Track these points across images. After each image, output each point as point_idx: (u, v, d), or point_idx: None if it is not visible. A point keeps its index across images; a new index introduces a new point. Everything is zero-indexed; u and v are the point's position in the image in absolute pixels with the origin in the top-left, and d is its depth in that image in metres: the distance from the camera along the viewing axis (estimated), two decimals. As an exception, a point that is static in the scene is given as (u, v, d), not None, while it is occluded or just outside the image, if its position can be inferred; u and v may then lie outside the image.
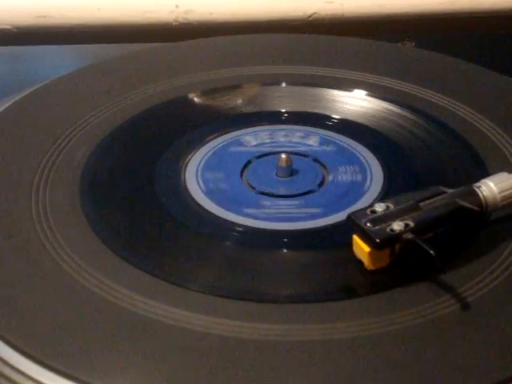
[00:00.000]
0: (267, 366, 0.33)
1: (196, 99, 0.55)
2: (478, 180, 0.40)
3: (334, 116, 0.53)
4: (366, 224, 0.37)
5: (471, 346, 0.33)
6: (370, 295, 0.37)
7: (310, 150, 0.50)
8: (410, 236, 0.36)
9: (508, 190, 0.40)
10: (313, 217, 0.43)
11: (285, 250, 0.41)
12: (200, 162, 0.48)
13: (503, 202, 0.40)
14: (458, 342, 0.34)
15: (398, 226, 0.37)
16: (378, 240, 0.36)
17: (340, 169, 0.48)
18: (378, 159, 0.48)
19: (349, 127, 0.52)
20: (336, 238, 0.41)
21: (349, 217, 0.38)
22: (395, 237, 0.36)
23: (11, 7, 0.74)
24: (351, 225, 0.38)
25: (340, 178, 0.47)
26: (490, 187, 0.39)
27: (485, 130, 0.50)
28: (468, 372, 0.32)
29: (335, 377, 0.32)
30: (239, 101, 0.55)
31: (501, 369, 0.32)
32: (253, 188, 0.46)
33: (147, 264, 0.39)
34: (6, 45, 0.70)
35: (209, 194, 0.45)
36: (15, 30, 0.74)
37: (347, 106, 0.54)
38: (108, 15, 0.74)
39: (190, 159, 0.49)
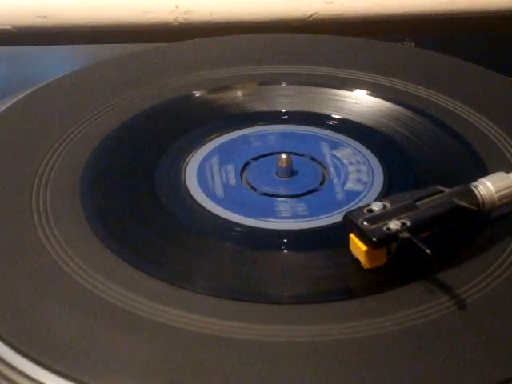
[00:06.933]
0: (267, 366, 0.33)
1: (196, 99, 0.55)
2: (477, 180, 0.40)
3: (334, 116, 0.53)
4: (362, 223, 0.37)
5: (470, 347, 0.33)
6: (368, 296, 0.37)
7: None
8: (406, 235, 0.36)
9: (505, 189, 0.40)
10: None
11: (285, 251, 0.41)
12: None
13: (500, 202, 0.40)
14: (456, 342, 0.34)
15: (394, 224, 0.37)
16: (374, 239, 0.36)
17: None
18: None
19: (349, 127, 0.52)
20: (336, 238, 0.41)
21: (346, 216, 0.38)
22: (392, 236, 0.36)
23: (11, 7, 0.74)
24: (348, 223, 0.38)
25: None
26: (487, 186, 0.39)
27: (485, 130, 0.50)
28: (468, 372, 0.32)
29: (334, 377, 0.32)
30: (239, 101, 0.55)
31: (500, 369, 0.32)
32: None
33: (147, 264, 0.39)
34: (6, 45, 0.70)
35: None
36: (15, 30, 0.74)
37: (347, 106, 0.54)
38: (108, 15, 0.74)
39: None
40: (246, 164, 0.48)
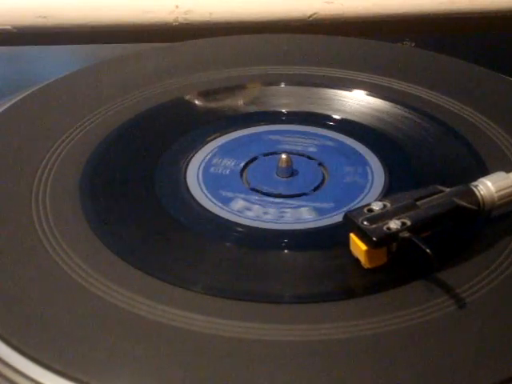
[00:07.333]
0: (267, 366, 0.33)
1: (196, 99, 0.55)
2: (477, 179, 0.40)
3: (334, 116, 0.53)
4: (362, 222, 0.37)
5: (470, 346, 0.33)
6: (368, 295, 0.37)
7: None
8: (406, 235, 0.36)
9: (505, 188, 0.40)
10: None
11: (285, 251, 0.41)
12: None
13: (500, 201, 0.40)
14: (456, 342, 0.34)
15: (394, 224, 0.37)
16: (374, 238, 0.36)
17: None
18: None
19: (349, 127, 0.52)
20: (336, 238, 0.41)
21: (346, 215, 0.38)
22: (392, 235, 0.36)
23: (11, 7, 0.74)
24: (348, 223, 0.38)
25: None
26: (488, 186, 0.39)
27: (485, 130, 0.50)
28: (468, 371, 0.32)
29: (334, 377, 0.32)
30: (239, 101, 0.55)
31: (500, 368, 0.32)
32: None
33: (147, 264, 0.39)
34: (6, 45, 0.71)
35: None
36: (15, 30, 0.74)
37: (347, 106, 0.54)
38: (108, 15, 0.74)
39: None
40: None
